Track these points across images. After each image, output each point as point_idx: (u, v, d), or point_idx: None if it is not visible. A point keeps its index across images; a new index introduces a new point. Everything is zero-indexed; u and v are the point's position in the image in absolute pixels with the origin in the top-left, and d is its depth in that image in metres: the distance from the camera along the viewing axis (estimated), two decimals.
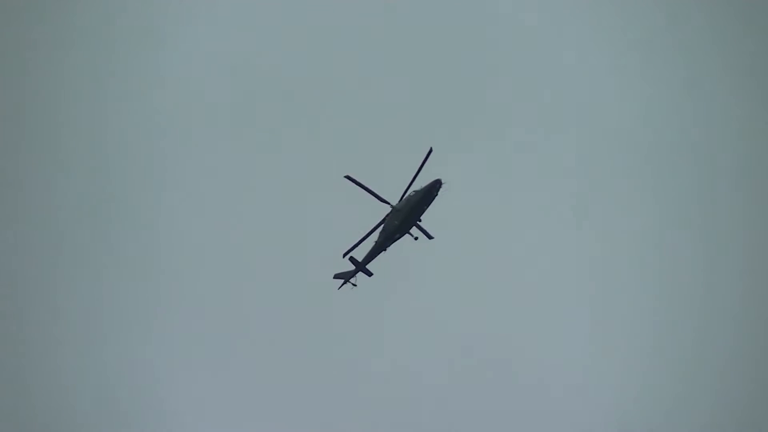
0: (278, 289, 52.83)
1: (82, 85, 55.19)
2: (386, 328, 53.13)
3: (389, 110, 52.98)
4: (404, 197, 43.17)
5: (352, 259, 44.53)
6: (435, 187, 43.35)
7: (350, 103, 53.97)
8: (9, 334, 52.70)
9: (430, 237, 43.23)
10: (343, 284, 45.41)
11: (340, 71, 54.85)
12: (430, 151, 42.09)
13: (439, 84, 54.62)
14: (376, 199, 43.29)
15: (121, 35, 55.08)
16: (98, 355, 53.06)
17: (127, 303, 53.39)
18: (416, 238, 43.99)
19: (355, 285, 45.00)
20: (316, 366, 53.19)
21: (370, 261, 44.77)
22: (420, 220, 43.15)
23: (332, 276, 44.81)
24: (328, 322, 52.39)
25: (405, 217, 43.54)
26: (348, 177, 43.05)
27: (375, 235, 44.80)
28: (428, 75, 55.12)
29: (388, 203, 43.89)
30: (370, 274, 44.44)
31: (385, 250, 44.58)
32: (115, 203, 54.61)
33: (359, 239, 44.30)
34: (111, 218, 54.37)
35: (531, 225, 53.37)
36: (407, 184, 43.53)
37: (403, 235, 44.29)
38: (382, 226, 44.33)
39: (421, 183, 42.98)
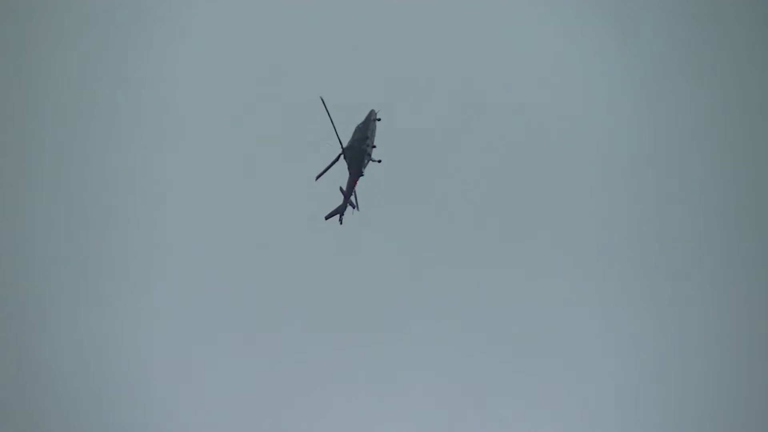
0: (278, 286, 52.89)
1: (80, 85, 55.03)
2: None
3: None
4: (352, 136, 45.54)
5: (341, 189, 45.81)
6: (372, 114, 45.55)
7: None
8: (9, 335, 52.38)
9: (355, 207, 45.31)
10: (341, 218, 46.30)
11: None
12: (322, 100, 44.21)
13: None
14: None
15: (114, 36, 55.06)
16: (97, 354, 52.84)
17: (127, 301, 53.22)
18: (380, 161, 46.19)
19: (354, 210, 46.09)
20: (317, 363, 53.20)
21: (351, 193, 46.49)
22: (374, 146, 45.31)
23: (324, 218, 45.89)
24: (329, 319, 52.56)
25: (362, 136, 45.91)
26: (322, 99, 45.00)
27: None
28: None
29: (341, 145, 45.66)
30: (354, 206, 45.83)
31: (362, 174, 46.21)
32: (115, 202, 54.44)
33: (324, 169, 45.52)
34: (109, 217, 54.22)
35: None
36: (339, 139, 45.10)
37: (369, 158, 46.25)
38: (348, 160, 45.94)
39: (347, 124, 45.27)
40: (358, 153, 45.37)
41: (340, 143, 45.32)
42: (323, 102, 44.16)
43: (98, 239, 53.87)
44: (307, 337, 53.24)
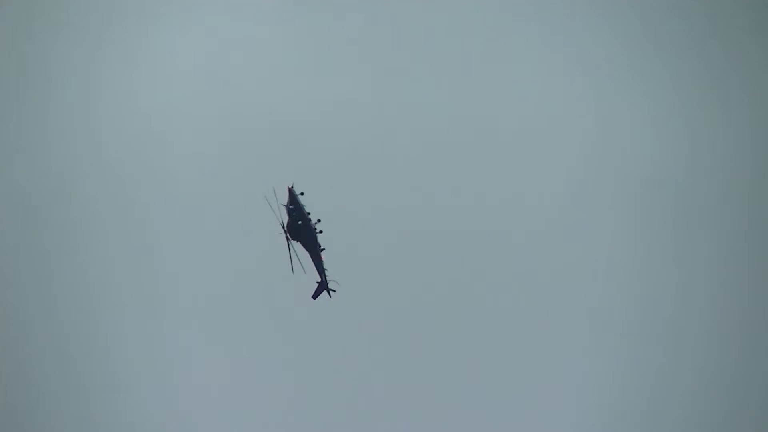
0: (280, 288, 52.81)
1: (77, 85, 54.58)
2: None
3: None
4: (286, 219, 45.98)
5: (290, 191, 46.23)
6: (292, 191, 45.79)
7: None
8: (10, 335, 52.62)
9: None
10: (329, 292, 47.71)
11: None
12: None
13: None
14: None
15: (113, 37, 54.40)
16: (100, 355, 53.10)
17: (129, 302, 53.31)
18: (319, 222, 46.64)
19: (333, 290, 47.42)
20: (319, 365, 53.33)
21: (322, 267, 47.51)
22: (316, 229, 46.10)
23: (312, 299, 46.87)
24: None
25: (300, 216, 46.39)
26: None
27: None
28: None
29: (283, 227, 46.61)
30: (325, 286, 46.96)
31: (322, 248, 47.12)
32: (115, 203, 54.27)
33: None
34: (111, 218, 54.08)
35: None
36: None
37: (315, 231, 47.37)
38: (298, 239, 46.73)
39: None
40: (305, 232, 45.66)
41: (282, 226, 45.64)
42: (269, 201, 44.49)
43: (98, 238, 53.87)
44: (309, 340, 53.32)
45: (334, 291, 46.91)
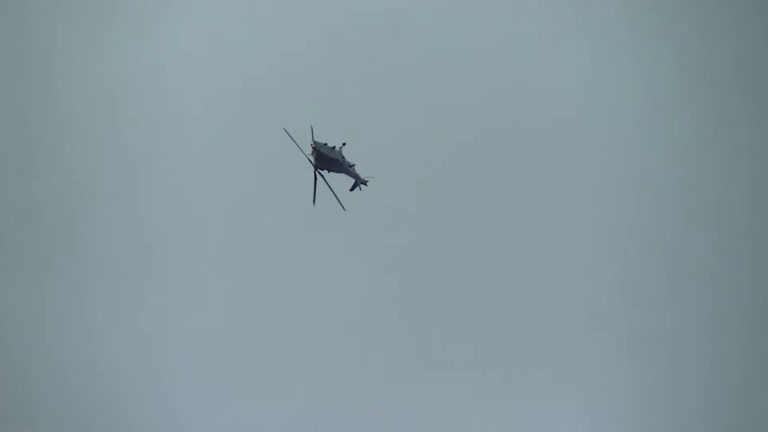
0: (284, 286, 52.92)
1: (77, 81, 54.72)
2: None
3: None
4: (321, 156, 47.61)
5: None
6: (316, 149, 48.54)
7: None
8: (8, 335, 52.90)
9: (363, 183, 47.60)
10: (363, 183, 49.63)
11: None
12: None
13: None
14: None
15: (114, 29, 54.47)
16: (100, 353, 53.33)
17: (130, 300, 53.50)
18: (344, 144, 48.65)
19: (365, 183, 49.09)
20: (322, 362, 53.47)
21: (357, 175, 49.35)
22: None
23: (349, 191, 48.49)
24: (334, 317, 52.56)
25: (324, 156, 48.06)
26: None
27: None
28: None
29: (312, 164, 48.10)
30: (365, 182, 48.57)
31: (351, 164, 48.98)
32: (115, 200, 54.56)
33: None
34: (110, 215, 54.35)
35: None
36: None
37: (344, 159, 49.17)
38: (327, 167, 48.37)
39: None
40: (334, 162, 47.09)
41: (310, 161, 46.62)
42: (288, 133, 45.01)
43: (102, 236, 54.10)
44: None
45: (369, 180, 48.16)
